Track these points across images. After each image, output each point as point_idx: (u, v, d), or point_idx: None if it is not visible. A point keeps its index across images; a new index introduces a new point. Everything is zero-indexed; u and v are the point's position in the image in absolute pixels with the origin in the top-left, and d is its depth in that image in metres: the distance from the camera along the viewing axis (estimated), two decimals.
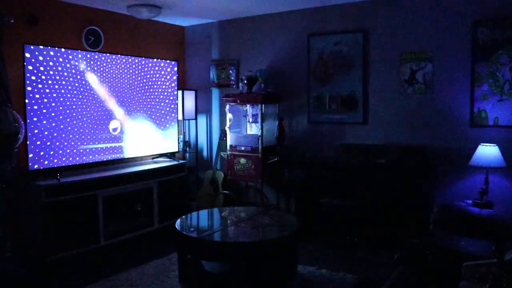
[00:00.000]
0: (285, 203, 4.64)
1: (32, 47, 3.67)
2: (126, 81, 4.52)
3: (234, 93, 5.07)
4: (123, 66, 4.49)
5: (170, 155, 5.12)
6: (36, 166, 3.74)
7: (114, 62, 4.39)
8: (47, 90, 3.80)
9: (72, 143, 4.04)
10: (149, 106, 4.79)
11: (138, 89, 4.66)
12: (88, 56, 4.18)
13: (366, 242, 4.20)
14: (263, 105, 4.73)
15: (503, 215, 3.09)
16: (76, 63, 4.03)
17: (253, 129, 4.84)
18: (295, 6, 4.78)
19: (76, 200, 3.82)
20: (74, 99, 4.04)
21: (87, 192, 3.90)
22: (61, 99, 3.92)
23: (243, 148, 4.86)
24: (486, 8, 3.81)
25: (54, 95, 3.86)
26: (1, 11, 3.68)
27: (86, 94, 4.14)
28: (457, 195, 3.98)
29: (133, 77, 4.60)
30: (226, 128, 5.08)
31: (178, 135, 5.23)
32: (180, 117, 5.32)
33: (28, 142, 3.65)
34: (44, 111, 3.79)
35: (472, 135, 3.94)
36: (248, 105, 4.85)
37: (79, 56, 4.07)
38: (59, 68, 3.89)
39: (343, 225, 4.48)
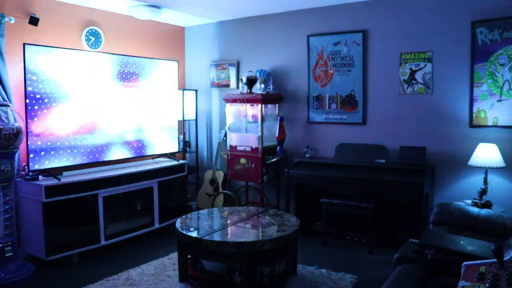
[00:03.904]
0: (285, 203, 4.65)
1: (32, 47, 3.67)
2: (126, 81, 4.52)
3: (234, 93, 5.08)
4: (123, 66, 4.49)
5: (170, 155, 5.13)
6: (36, 166, 3.74)
7: (114, 63, 4.40)
8: (48, 90, 3.80)
9: (73, 143, 4.05)
10: (149, 106, 4.80)
11: (138, 89, 4.67)
12: (89, 56, 4.18)
13: (366, 242, 4.21)
14: (263, 105, 4.74)
15: (502, 215, 3.10)
16: (77, 63, 4.04)
17: (253, 129, 4.85)
18: (295, 6, 4.79)
19: (76, 200, 3.82)
20: (75, 99, 4.04)
21: (87, 192, 3.91)
22: (62, 99, 3.93)
23: (243, 148, 4.87)
24: (485, 9, 3.82)
25: (55, 95, 3.86)
26: (2, 11, 3.70)
27: (86, 94, 4.14)
28: (457, 195, 4.00)
29: (134, 77, 4.61)
30: (226, 128, 5.09)
31: (178, 135, 5.23)
32: (180, 117, 5.33)
33: (28, 142, 3.66)
34: (45, 111, 3.79)
35: (471, 135, 3.95)
36: (248, 105, 4.86)
37: (80, 56, 4.08)
38: (60, 68, 3.89)
39: (343, 225, 4.50)
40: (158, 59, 4.97)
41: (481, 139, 3.82)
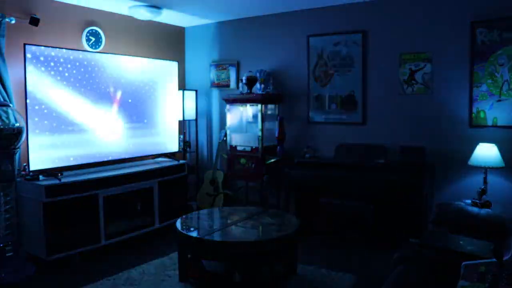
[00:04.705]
0: (285, 203, 4.66)
1: (33, 48, 3.67)
2: (126, 81, 4.53)
3: (234, 93, 5.08)
4: (123, 66, 4.49)
5: (170, 155, 5.13)
6: (37, 166, 3.74)
7: (114, 63, 4.40)
8: (48, 90, 3.81)
9: (73, 143, 4.05)
10: (149, 106, 4.80)
11: (138, 89, 4.67)
12: (89, 56, 4.19)
13: (365, 242, 4.22)
14: (263, 105, 4.74)
15: (501, 215, 3.11)
16: (77, 64, 4.04)
17: (253, 129, 4.85)
18: (295, 7, 4.79)
19: (77, 200, 3.82)
20: (75, 99, 4.05)
21: (88, 192, 3.91)
22: (62, 99, 3.93)
23: (243, 148, 4.88)
24: (485, 9, 3.83)
25: (55, 95, 3.87)
26: (2, 11, 3.70)
27: (87, 94, 4.15)
28: (456, 195, 4.00)
29: (134, 77, 4.61)
30: (226, 128, 5.10)
31: (178, 135, 5.24)
32: (180, 117, 5.33)
33: (29, 142, 3.66)
34: (45, 111, 3.80)
35: (471, 135, 3.96)
36: (248, 105, 4.87)
37: (80, 56, 4.08)
38: (60, 69, 3.89)
39: (342, 224, 4.50)
40: (158, 59, 4.97)
41: (481, 139, 3.83)
